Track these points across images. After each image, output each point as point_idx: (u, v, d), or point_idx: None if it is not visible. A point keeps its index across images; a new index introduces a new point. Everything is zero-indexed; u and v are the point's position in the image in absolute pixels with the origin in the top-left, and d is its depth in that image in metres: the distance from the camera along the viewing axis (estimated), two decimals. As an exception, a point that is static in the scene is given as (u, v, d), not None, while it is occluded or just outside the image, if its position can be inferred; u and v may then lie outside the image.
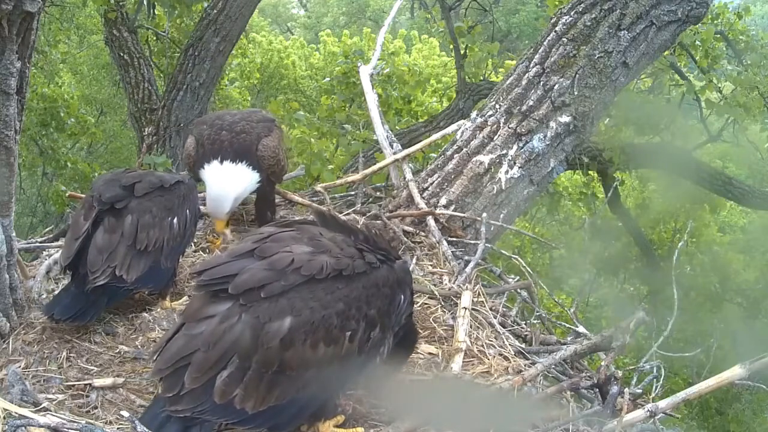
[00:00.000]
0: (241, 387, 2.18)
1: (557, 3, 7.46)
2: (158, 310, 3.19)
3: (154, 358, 2.33)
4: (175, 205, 3.24)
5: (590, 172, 9.09)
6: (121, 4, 7.87)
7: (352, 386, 2.52)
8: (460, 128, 4.62)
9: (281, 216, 4.38)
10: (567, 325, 3.79)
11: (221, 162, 3.69)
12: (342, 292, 2.30)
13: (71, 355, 2.79)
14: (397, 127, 8.39)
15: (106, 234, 2.99)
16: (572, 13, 4.43)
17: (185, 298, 3.31)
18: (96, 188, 3.14)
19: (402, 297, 2.49)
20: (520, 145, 4.31)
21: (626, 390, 2.61)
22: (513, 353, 3.09)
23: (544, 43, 4.45)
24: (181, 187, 3.32)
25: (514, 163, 4.30)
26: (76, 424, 2.15)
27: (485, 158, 4.30)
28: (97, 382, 2.62)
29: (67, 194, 7.53)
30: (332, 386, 2.36)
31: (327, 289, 2.29)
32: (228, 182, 3.66)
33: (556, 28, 4.43)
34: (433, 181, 4.40)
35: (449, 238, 4.06)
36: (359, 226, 2.75)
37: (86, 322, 2.93)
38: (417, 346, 2.91)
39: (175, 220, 3.21)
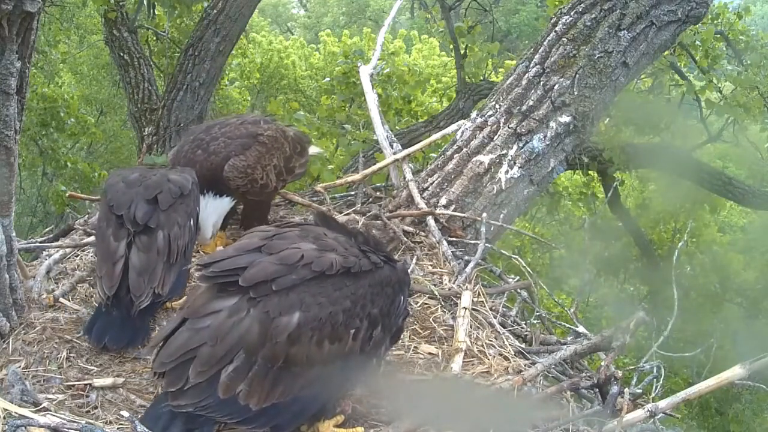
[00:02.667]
0: (246, 382, 2.19)
1: (557, 3, 7.46)
2: (158, 309, 3.19)
3: (155, 352, 2.32)
4: (191, 207, 3.26)
5: (590, 172, 9.10)
6: (121, 4, 7.86)
7: (352, 386, 2.52)
8: (460, 128, 4.62)
9: (281, 216, 4.38)
10: (567, 325, 3.78)
11: None
12: (349, 290, 2.32)
13: (71, 355, 2.79)
14: (397, 127, 8.39)
15: (142, 254, 2.98)
16: (572, 13, 4.43)
17: (185, 299, 3.30)
18: (118, 202, 3.06)
19: (402, 297, 2.51)
20: (520, 145, 4.31)
21: (626, 390, 2.61)
22: (513, 353, 3.09)
23: (544, 43, 4.45)
24: (195, 188, 3.35)
25: (514, 163, 4.30)
26: (76, 424, 2.15)
27: (485, 158, 4.30)
28: (97, 382, 2.63)
29: (67, 194, 7.53)
30: (334, 385, 2.36)
31: (335, 286, 2.31)
32: (202, 215, 3.65)
33: (556, 28, 4.43)
34: (433, 181, 4.40)
35: (449, 238, 4.05)
36: (359, 228, 2.76)
37: (138, 345, 2.92)
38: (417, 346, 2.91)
39: (192, 222, 3.24)
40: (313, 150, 4.54)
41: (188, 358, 2.21)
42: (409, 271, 3.48)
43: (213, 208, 3.73)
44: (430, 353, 3.05)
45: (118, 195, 3.12)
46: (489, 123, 4.41)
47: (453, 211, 4.20)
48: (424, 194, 4.34)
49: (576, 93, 4.32)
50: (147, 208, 3.06)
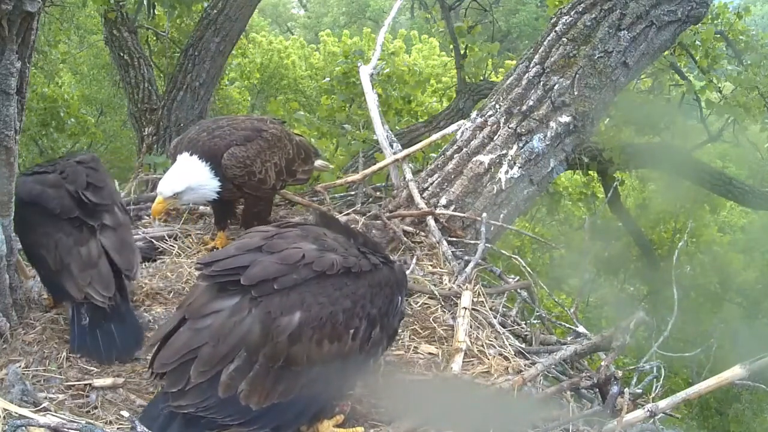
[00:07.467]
0: (246, 381, 2.19)
1: (557, 3, 7.46)
2: (157, 309, 3.19)
3: (153, 352, 2.32)
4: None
5: (590, 172, 9.10)
6: (121, 4, 7.86)
7: (351, 386, 2.53)
8: (460, 128, 4.62)
9: (281, 216, 4.38)
10: (567, 325, 3.78)
11: (191, 155, 3.69)
12: (349, 289, 2.33)
13: (71, 355, 2.79)
14: (397, 127, 8.38)
15: (110, 233, 2.97)
16: (572, 13, 4.43)
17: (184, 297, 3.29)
18: (63, 206, 2.92)
19: (399, 298, 2.52)
20: (520, 145, 4.31)
21: (626, 390, 2.61)
22: (513, 353, 3.09)
23: (544, 43, 4.45)
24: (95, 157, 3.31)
25: (514, 163, 4.29)
26: (76, 424, 2.15)
27: (485, 158, 4.30)
28: (97, 382, 2.62)
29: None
30: (333, 385, 2.37)
31: (336, 286, 2.31)
32: (189, 171, 3.64)
33: (556, 28, 4.43)
34: (433, 181, 4.40)
35: (449, 238, 4.05)
36: (358, 229, 2.76)
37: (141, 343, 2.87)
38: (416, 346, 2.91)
39: None
40: (320, 163, 4.57)
41: (189, 358, 2.20)
42: (408, 271, 3.48)
43: (201, 175, 3.67)
44: (430, 353, 3.05)
45: (56, 200, 2.95)
46: (489, 123, 4.41)
47: (453, 211, 4.19)
48: (424, 194, 4.34)
49: (576, 93, 4.32)
50: (92, 192, 3.00)
